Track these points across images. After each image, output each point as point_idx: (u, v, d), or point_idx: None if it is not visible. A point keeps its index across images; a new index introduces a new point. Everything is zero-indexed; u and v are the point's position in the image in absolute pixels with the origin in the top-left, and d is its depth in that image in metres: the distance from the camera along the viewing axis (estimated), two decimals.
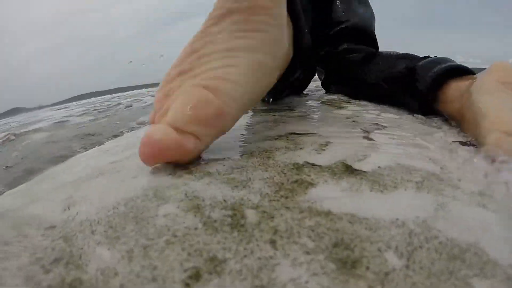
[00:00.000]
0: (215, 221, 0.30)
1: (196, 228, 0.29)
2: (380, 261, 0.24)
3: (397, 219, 0.29)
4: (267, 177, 0.36)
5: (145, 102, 1.78)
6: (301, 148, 0.44)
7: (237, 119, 0.45)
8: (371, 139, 0.48)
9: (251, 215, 0.30)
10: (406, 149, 0.45)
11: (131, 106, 1.73)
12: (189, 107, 0.38)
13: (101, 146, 0.64)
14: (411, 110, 0.75)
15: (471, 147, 0.49)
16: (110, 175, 0.41)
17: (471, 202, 0.32)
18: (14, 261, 0.27)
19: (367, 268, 0.24)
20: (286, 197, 0.32)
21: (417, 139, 0.51)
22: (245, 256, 0.25)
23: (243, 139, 0.51)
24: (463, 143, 0.52)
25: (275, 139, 0.50)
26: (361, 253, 0.25)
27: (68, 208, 0.34)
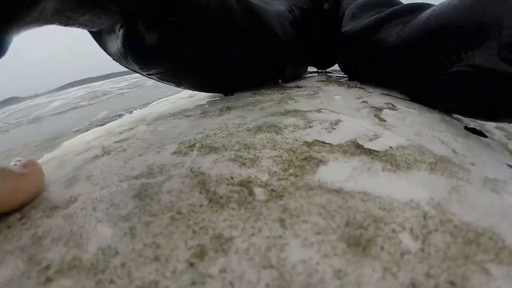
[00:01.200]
0: (221, 197, 0.29)
1: (201, 205, 0.28)
2: (395, 242, 0.23)
3: (411, 200, 0.28)
4: (276, 155, 0.35)
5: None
6: (310, 127, 0.43)
7: None
8: (382, 119, 0.47)
9: (259, 193, 0.29)
10: (418, 130, 0.44)
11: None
12: None
13: (105, 125, 0.63)
14: None
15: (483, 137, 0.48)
16: (116, 153, 0.40)
17: (485, 186, 0.31)
18: (16, 243, 0.26)
19: (382, 248, 0.23)
20: (296, 176, 0.31)
21: (429, 121, 0.49)
22: (252, 234, 0.24)
23: (250, 115, 0.50)
24: (475, 131, 0.51)
25: (283, 115, 0.48)
26: (375, 233, 0.24)
27: (71, 187, 0.33)
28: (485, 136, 0.51)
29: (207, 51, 0.61)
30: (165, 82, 0.65)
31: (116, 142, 0.45)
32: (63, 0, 0.38)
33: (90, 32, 0.55)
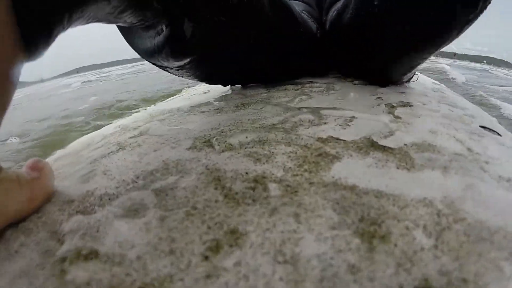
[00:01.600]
0: (236, 193, 0.29)
1: (216, 201, 0.28)
2: (408, 240, 0.23)
3: (425, 198, 0.28)
4: (290, 151, 0.35)
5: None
6: (325, 123, 0.43)
7: None
8: (396, 116, 0.47)
9: (274, 189, 0.29)
10: (432, 127, 0.44)
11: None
12: None
13: (119, 121, 0.64)
14: None
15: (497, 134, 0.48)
16: (131, 149, 0.41)
17: (499, 186, 0.31)
18: (33, 237, 0.27)
19: (395, 245, 0.23)
20: (310, 172, 0.31)
21: (444, 119, 0.49)
22: (267, 229, 0.25)
23: (264, 111, 0.50)
24: (490, 129, 0.50)
25: (298, 110, 0.49)
26: (389, 229, 0.24)
27: (88, 182, 0.34)
28: (500, 135, 0.50)
29: (230, 42, 0.61)
30: (185, 74, 0.65)
31: (131, 137, 0.46)
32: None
33: (119, 28, 0.55)
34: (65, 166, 0.40)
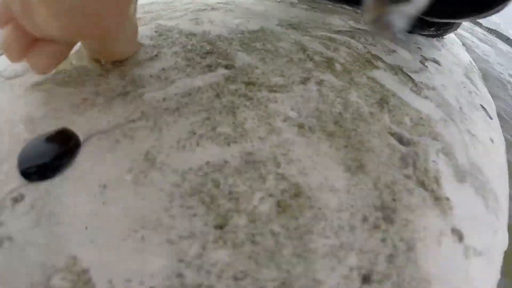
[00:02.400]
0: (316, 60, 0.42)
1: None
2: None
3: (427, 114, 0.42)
4: (348, 52, 0.46)
5: None
6: (372, 44, 0.52)
7: None
8: (426, 66, 0.56)
9: (337, 66, 0.42)
10: (444, 83, 0.53)
11: None
12: None
13: None
14: None
15: None
16: (224, 12, 0.47)
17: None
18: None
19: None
20: (360, 67, 0.44)
21: (457, 84, 0.58)
22: None
23: (327, 21, 0.55)
24: (485, 110, 0.58)
25: (337, 32, 0.53)
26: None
27: (199, 25, 0.40)
28: (491, 118, 0.58)
29: None
30: None
31: (218, 2, 0.49)
32: None
33: None
34: (162, 10, 0.43)
